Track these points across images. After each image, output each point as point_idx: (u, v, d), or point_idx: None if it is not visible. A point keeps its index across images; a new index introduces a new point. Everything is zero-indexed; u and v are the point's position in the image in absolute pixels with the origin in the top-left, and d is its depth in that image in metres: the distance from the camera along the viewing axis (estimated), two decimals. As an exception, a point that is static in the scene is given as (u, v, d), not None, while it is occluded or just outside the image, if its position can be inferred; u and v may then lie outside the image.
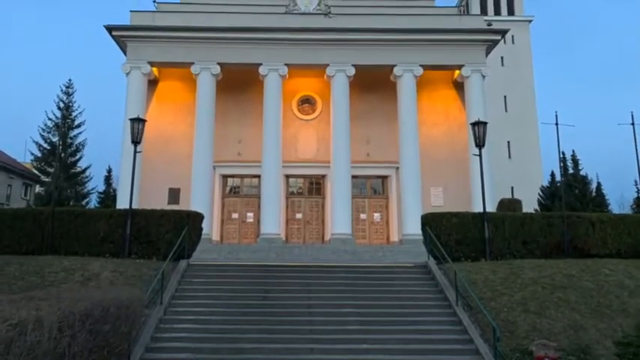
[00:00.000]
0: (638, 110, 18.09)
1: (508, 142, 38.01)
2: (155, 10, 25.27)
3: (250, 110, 24.66)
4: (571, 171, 34.26)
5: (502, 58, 39.01)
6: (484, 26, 25.09)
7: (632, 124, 18.12)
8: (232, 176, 25.49)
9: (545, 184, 35.31)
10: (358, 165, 24.05)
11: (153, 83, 24.98)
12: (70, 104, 33.48)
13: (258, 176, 23.85)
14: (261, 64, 23.70)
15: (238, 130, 24.81)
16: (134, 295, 9.39)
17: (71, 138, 32.98)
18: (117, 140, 23.46)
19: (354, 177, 23.95)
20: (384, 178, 25.48)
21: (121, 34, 23.89)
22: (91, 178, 34.84)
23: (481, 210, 15.33)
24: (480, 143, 15.77)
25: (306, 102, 25.93)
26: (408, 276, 13.91)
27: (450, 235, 14.68)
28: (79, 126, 33.50)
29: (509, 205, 22.74)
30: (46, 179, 32.90)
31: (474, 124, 16.11)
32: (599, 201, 33.50)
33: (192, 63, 23.67)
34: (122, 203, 19.89)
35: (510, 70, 39.21)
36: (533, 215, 16.28)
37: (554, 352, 9.84)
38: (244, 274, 13.70)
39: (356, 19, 24.15)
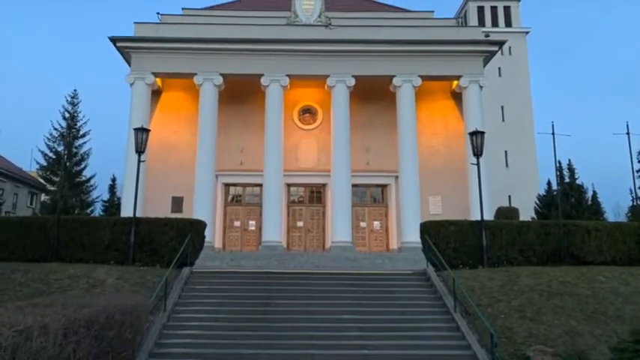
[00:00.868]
0: (633, 120, 18.48)
1: (505, 152, 38.39)
2: (159, 21, 25.73)
3: (252, 120, 25.01)
4: (567, 180, 34.65)
5: (499, 68, 39.53)
6: (482, 37, 25.53)
7: (628, 133, 18.48)
8: (234, 185, 25.77)
9: (542, 192, 35.68)
10: (358, 174, 24.34)
11: (156, 93, 25.35)
12: (75, 114, 33.85)
13: (260, 185, 24.14)
14: (262, 75, 24.09)
15: (240, 139, 25.14)
16: (138, 301, 9.53)
17: (76, 147, 33.32)
18: (121, 149, 23.87)
19: (354, 186, 24.23)
20: (384, 186, 25.75)
21: (126, 46, 24.31)
22: (96, 187, 35.17)
23: (479, 218, 15.58)
24: (477, 152, 15.98)
25: (307, 112, 26.29)
26: (408, 283, 14.12)
27: (449, 242, 14.90)
28: (83, 135, 33.87)
29: (507, 213, 23.01)
30: (52, 188, 33.15)
31: (472, 134, 16.33)
32: (594, 209, 33.88)
33: (195, 74, 24.04)
34: (126, 211, 20.17)
35: (507, 81, 39.71)
36: (530, 223, 16.51)
37: (550, 358, 10.01)
38: (246, 281, 13.91)
39: (356, 31, 24.58)
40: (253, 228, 24.94)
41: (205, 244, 16.34)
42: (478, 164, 15.90)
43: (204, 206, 22.34)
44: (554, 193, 32.46)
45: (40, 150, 33.44)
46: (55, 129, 33.56)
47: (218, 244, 24.04)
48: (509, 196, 35.83)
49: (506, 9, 43.44)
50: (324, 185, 25.39)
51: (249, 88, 24.89)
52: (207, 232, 16.49)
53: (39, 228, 15.15)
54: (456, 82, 25.16)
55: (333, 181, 23.72)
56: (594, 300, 12.35)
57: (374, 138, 25.31)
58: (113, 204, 34.10)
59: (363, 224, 25.26)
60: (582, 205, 33.19)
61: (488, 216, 19.40)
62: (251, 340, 10.73)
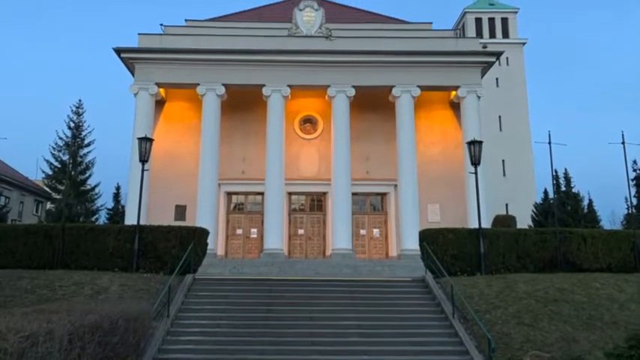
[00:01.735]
0: (628, 129, 18.78)
1: (503, 161, 38.78)
2: (162, 33, 26.20)
3: (254, 129, 25.35)
4: (563, 188, 34.99)
5: (497, 79, 40.05)
6: (479, 48, 25.98)
7: (623, 142, 18.76)
8: (237, 193, 26.06)
9: (539, 201, 36.01)
10: (358, 182, 24.64)
11: (160, 103, 25.73)
12: (80, 124, 34.24)
13: (262, 193, 24.41)
14: (264, 85, 24.48)
15: (242, 148, 25.47)
16: (142, 308, 9.74)
17: (81, 156, 33.69)
18: (125, 159, 24.08)
19: (354, 194, 24.51)
20: (383, 195, 26.04)
21: (130, 56, 24.73)
22: (100, 195, 35.52)
23: (477, 226, 15.82)
24: (475, 162, 16.27)
25: (308, 121, 26.66)
26: (407, 290, 14.32)
27: (447, 250, 15.12)
28: (88, 145, 34.25)
29: (504, 221, 23.24)
30: (57, 196, 33.48)
31: (470, 143, 16.61)
32: (590, 217, 34.16)
33: (198, 84, 24.42)
34: (130, 219, 20.38)
35: (505, 91, 40.21)
36: (527, 231, 16.73)
37: (547, 363, 10.21)
38: (248, 287, 14.11)
39: (356, 42, 24.99)
40: (255, 236, 25.19)
41: (208, 251, 16.52)
42: (476, 173, 16.19)
43: (207, 214, 22.60)
44: (551, 201, 32.74)
45: (45, 159, 33.89)
46: (61, 138, 34.04)
47: (220, 251, 24.26)
48: (507, 205, 36.16)
49: (504, 20, 44.08)
50: (324, 194, 25.67)
51: (251, 98, 25.26)
52: (209, 240, 16.68)
53: (45, 236, 15.33)
54: (454, 93, 25.53)
55: (334, 189, 24.01)
56: (590, 306, 12.56)
57: (373, 147, 25.64)
58: (117, 212, 34.42)
59: (362, 232, 25.50)
60: (578, 213, 33.51)
61: (486, 224, 19.61)
62: (253, 346, 10.90)
